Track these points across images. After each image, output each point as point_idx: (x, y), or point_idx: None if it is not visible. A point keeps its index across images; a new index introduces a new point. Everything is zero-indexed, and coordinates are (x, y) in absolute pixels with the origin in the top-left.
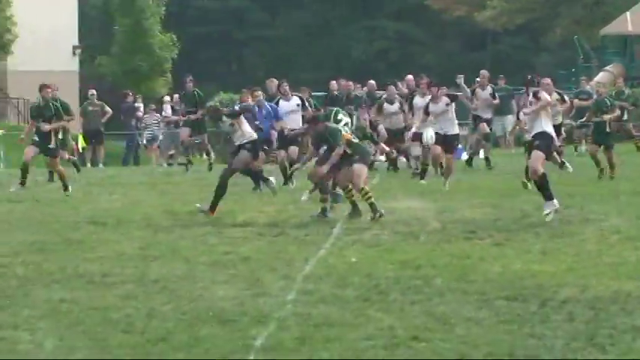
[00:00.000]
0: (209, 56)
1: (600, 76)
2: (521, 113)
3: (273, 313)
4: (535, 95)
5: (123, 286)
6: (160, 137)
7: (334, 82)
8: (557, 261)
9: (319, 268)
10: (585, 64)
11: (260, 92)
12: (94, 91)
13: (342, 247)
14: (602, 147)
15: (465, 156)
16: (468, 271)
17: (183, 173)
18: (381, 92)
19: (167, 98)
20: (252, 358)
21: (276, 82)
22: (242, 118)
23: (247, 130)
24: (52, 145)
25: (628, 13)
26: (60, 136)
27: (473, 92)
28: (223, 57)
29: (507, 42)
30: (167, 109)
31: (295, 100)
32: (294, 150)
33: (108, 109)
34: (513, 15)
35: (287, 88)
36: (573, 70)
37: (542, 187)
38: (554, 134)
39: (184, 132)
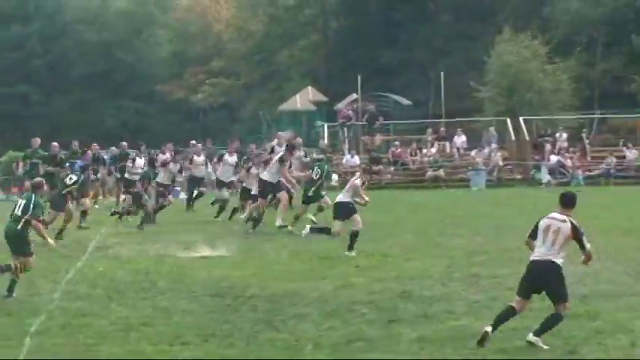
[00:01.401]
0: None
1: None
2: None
3: (44, 307)
4: None
5: None
6: None
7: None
8: (245, 269)
9: (77, 275)
10: (268, 131)
11: None
12: None
13: (94, 260)
14: None
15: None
16: (183, 276)
17: None
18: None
19: None
20: (28, 339)
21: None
22: None
23: None
24: None
25: (297, 95)
26: None
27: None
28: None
29: (213, 115)
30: None
31: None
32: None
33: None
34: (217, 97)
35: None
36: (259, 135)
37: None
38: None
39: None
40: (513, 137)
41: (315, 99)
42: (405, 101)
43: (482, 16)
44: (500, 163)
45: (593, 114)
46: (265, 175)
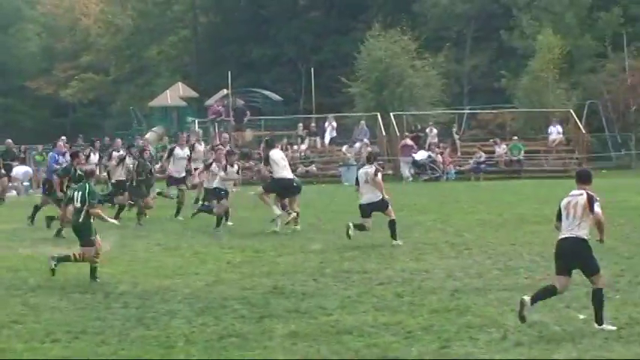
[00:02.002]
0: None
1: (149, 135)
2: None
3: None
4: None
5: None
6: None
7: None
8: (116, 265)
9: None
10: (138, 127)
11: None
12: None
13: None
14: None
15: None
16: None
17: None
18: None
19: None
20: None
21: None
22: None
23: None
24: None
25: (168, 91)
26: None
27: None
28: None
29: (83, 111)
30: None
31: None
32: None
33: None
34: (86, 92)
35: None
36: (130, 130)
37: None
38: None
39: None
40: (384, 132)
41: (186, 95)
42: (276, 97)
43: (352, 12)
44: None
45: (463, 109)
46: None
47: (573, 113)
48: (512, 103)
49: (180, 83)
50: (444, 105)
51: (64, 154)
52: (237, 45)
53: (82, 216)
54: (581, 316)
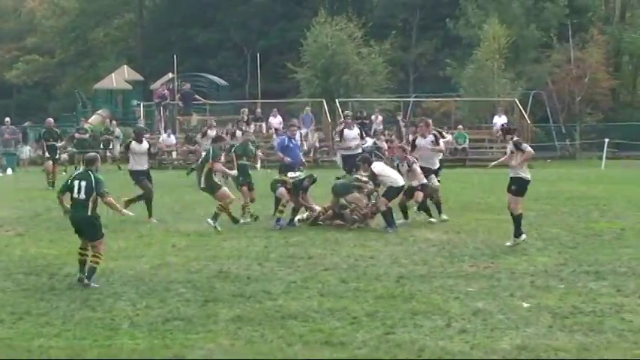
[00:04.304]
0: None
1: (93, 118)
2: None
3: None
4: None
5: None
6: None
7: None
8: (61, 247)
9: None
10: (83, 109)
11: None
12: None
13: None
14: None
15: None
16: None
17: None
18: None
19: None
20: None
21: None
22: None
23: None
24: None
25: (113, 74)
26: None
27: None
28: None
29: (28, 92)
30: None
31: None
32: None
33: None
34: (31, 74)
35: None
36: (75, 113)
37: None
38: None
39: None
40: (329, 119)
41: (131, 78)
42: (222, 82)
43: None
44: (317, 144)
45: (409, 97)
46: None
47: (518, 103)
48: (457, 92)
49: (125, 66)
50: (389, 92)
51: None
52: (183, 29)
53: (88, 209)
54: (525, 305)
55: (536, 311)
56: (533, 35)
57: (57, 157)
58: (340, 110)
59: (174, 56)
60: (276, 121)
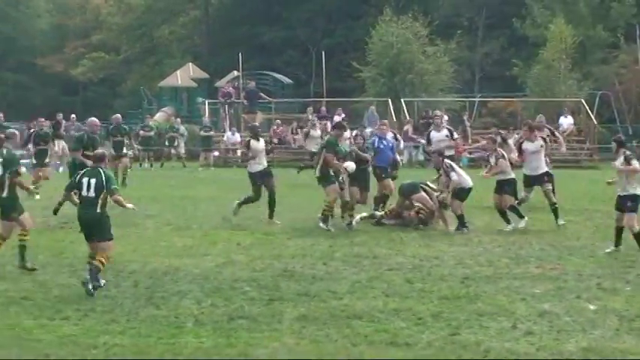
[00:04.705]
0: None
1: (158, 115)
2: None
3: None
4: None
5: None
6: None
7: None
8: (127, 244)
9: None
10: (148, 107)
11: None
12: None
13: None
14: None
15: None
16: (63, 250)
17: None
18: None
19: None
20: None
21: None
22: None
23: None
24: None
25: (178, 72)
26: None
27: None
28: None
29: (94, 90)
30: None
31: None
32: None
33: None
34: (97, 71)
35: None
36: (140, 110)
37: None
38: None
39: None
40: (395, 118)
41: (196, 75)
42: (286, 80)
43: None
44: None
45: (474, 97)
46: None
47: (585, 103)
48: (523, 92)
49: (190, 64)
50: (455, 92)
51: None
52: (249, 27)
53: (98, 206)
54: (592, 307)
55: (602, 313)
56: (599, 35)
57: (123, 153)
58: (405, 109)
59: (240, 54)
60: (339, 119)
